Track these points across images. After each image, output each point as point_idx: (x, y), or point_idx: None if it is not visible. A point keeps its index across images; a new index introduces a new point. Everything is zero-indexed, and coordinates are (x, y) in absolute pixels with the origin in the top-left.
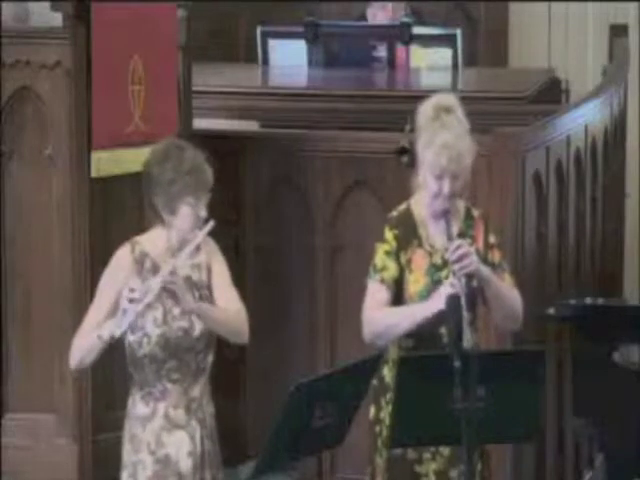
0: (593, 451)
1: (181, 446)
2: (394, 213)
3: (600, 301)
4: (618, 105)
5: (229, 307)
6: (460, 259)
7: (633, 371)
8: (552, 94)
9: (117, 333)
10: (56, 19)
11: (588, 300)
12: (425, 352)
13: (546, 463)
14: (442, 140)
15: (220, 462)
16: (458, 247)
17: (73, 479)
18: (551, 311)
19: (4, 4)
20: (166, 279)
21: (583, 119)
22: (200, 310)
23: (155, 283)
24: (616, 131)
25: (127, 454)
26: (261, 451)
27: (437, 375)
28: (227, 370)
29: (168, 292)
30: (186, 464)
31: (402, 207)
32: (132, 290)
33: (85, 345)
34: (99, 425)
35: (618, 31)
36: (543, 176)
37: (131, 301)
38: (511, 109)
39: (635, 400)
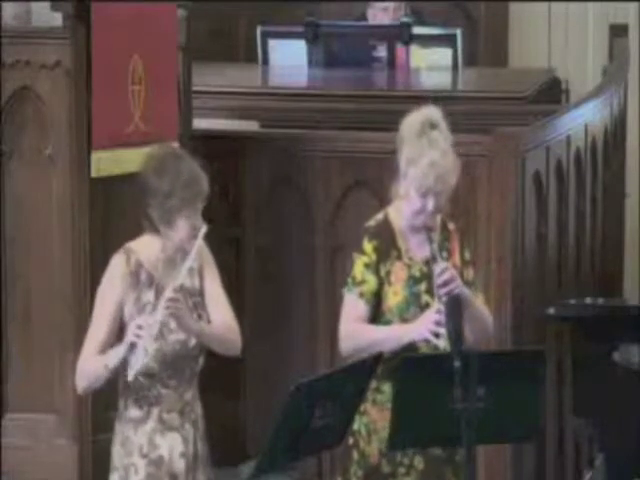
0: (593, 451)
1: (174, 447)
2: (372, 223)
3: (600, 301)
4: (618, 105)
5: (223, 318)
6: (446, 283)
7: (633, 371)
8: (552, 94)
9: (131, 376)
10: (56, 19)
11: (588, 300)
12: (425, 352)
13: (546, 463)
14: (430, 159)
15: (210, 462)
16: (444, 271)
17: (73, 479)
18: (551, 311)
19: (4, 4)
20: (170, 305)
21: (583, 119)
22: (201, 332)
23: (159, 314)
24: (616, 131)
25: (118, 457)
26: (261, 451)
27: (437, 375)
28: (227, 370)
29: (172, 316)
30: (179, 465)
31: (379, 217)
32: (140, 327)
33: (91, 372)
34: (99, 425)
35: (618, 31)
36: (543, 176)
37: (138, 337)
38: (511, 109)
39: (635, 400)
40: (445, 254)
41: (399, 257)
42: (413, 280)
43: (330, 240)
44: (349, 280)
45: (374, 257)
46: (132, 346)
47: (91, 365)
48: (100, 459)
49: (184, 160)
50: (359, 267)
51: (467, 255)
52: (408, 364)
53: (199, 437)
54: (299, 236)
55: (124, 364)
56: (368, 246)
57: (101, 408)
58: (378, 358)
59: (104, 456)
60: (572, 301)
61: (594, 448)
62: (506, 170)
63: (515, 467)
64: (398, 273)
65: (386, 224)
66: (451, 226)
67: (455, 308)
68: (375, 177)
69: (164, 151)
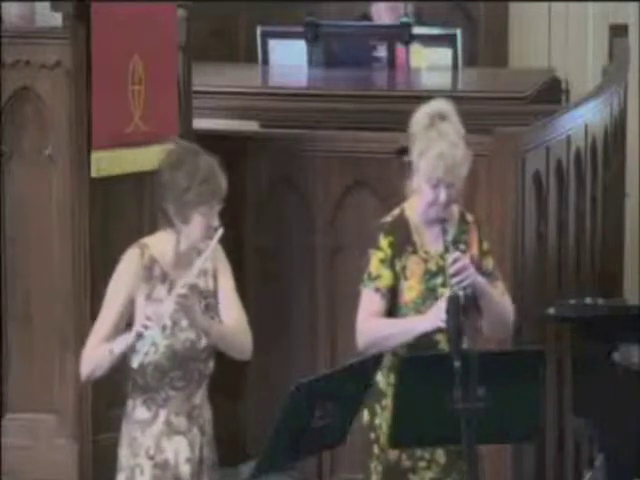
0: (593, 451)
1: (180, 452)
2: (388, 219)
3: (600, 301)
4: (618, 105)
5: (234, 320)
6: (458, 272)
7: (633, 371)
8: (552, 94)
9: (135, 364)
10: (56, 19)
11: (588, 300)
12: (425, 352)
13: (546, 463)
14: (438, 150)
15: (216, 469)
16: (456, 260)
17: (73, 479)
18: (551, 311)
19: (8, 4)
20: (180, 301)
21: (583, 119)
22: (211, 329)
23: (168, 306)
24: (616, 131)
25: (124, 458)
26: (261, 451)
27: (437, 375)
28: (227, 370)
29: (181, 311)
30: (184, 470)
31: (395, 212)
32: (148, 318)
33: (96, 359)
34: (99, 425)
35: (618, 31)
36: (543, 176)
37: (146, 328)
38: (511, 109)
39: (635, 400)
40: (463, 246)
41: (414, 251)
42: (430, 274)
43: (330, 240)
44: (365, 276)
45: (389, 252)
46: (139, 336)
47: (96, 352)
48: (100, 459)
49: (202, 156)
50: (375, 262)
51: (485, 245)
52: (408, 364)
53: (206, 442)
54: (299, 236)
55: (128, 358)
56: (384, 242)
57: (101, 408)
58: (379, 358)
59: (104, 456)
60: (572, 301)
61: (594, 448)
62: (506, 170)
63: (515, 467)
64: (414, 267)
65: (401, 219)
66: (470, 218)
67: (456, 307)
68: (375, 177)
69: (182, 147)
